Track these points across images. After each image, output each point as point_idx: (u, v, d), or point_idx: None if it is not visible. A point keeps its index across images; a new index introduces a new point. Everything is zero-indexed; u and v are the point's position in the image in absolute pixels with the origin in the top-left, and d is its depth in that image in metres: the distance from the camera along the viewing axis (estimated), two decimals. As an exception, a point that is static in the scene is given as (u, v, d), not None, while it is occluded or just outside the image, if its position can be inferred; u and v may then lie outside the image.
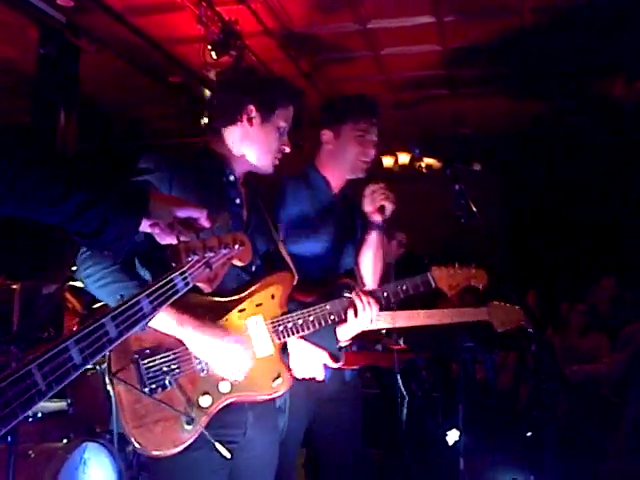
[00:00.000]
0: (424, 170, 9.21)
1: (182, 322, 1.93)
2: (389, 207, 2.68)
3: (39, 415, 3.53)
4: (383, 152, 9.74)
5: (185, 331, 1.94)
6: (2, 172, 1.22)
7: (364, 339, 2.81)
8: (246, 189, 2.32)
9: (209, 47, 5.87)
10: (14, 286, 5.01)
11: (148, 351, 1.94)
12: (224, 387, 2.01)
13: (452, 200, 2.86)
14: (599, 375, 5.69)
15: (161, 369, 1.95)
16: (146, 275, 2.04)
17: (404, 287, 2.43)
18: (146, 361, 1.94)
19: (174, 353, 1.97)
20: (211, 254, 1.57)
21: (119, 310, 1.25)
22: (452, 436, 4.96)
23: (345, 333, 2.39)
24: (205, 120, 2.40)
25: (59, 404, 3.71)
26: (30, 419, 3.49)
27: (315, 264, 2.60)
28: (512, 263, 9.70)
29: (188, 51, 7.00)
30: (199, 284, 1.58)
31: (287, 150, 2.31)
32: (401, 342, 5.01)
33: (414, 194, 9.63)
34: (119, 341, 1.24)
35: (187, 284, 1.47)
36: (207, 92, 6.48)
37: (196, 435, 1.94)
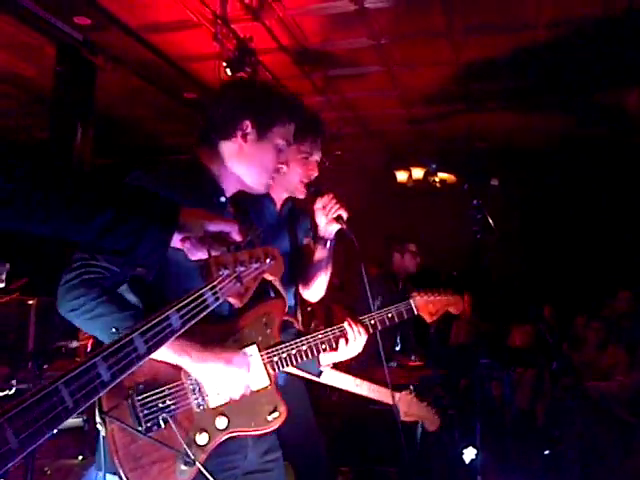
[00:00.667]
0: (438, 185, 9.22)
1: (182, 349, 1.82)
2: (345, 215, 2.66)
3: (55, 432, 3.52)
4: (397, 167, 9.76)
5: (184, 359, 1.84)
6: (29, 192, 1.21)
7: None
8: (235, 210, 2.18)
9: (224, 64, 5.91)
10: (30, 301, 5.05)
11: (142, 386, 1.82)
12: (221, 423, 1.93)
13: (468, 215, 2.85)
14: (611, 393, 5.62)
15: (156, 405, 1.83)
16: (132, 300, 1.90)
17: (389, 315, 2.45)
18: (140, 397, 1.81)
19: (169, 388, 1.87)
20: (242, 268, 1.54)
21: (148, 326, 1.24)
22: (469, 454, 4.90)
23: (329, 359, 2.33)
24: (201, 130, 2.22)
25: (75, 420, 3.71)
26: (46, 435, 3.49)
27: None
28: (529, 277, 9.63)
29: (203, 68, 7.07)
30: (230, 299, 1.55)
31: (284, 170, 2.23)
32: (413, 358, 4.99)
33: (429, 209, 9.64)
34: (148, 357, 1.23)
35: (217, 299, 1.45)
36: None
37: (193, 476, 1.84)
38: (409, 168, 9.76)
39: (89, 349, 4.96)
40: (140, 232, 1.35)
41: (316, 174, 2.69)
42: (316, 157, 2.69)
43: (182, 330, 1.32)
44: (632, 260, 8.68)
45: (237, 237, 1.56)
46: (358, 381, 2.99)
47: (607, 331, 6.25)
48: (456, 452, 5.09)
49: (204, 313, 1.39)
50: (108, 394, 1.74)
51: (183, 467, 1.82)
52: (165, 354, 1.80)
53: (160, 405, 1.83)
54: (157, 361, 1.80)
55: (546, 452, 5.24)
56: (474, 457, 4.16)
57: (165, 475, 1.81)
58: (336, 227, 2.68)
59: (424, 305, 2.54)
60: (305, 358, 2.15)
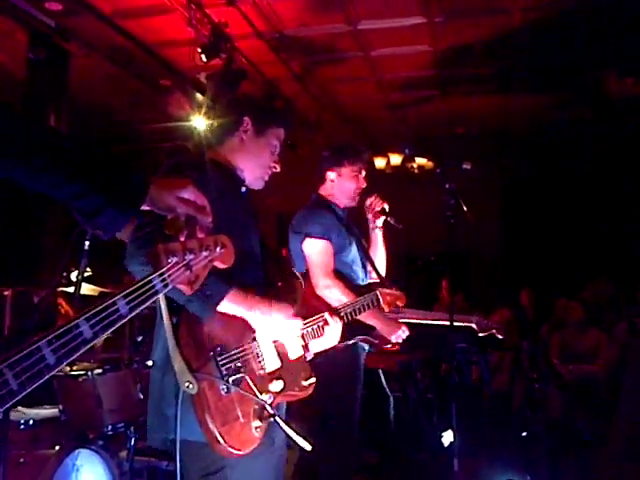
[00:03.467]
0: (416, 171, 9.24)
1: (251, 302, 2.05)
2: (386, 206, 3.53)
3: (30, 422, 3.50)
4: (375, 153, 9.75)
5: (256, 312, 2.06)
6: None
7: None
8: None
9: (199, 50, 5.86)
10: (6, 292, 4.99)
11: (219, 348, 1.97)
12: (277, 386, 2.10)
13: (441, 200, 2.87)
14: (595, 376, 5.70)
15: (232, 366, 1.98)
16: None
17: (358, 307, 2.97)
18: (220, 358, 1.95)
19: (240, 351, 2.03)
20: (191, 256, 1.55)
21: (94, 311, 1.26)
22: (447, 437, 4.95)
23: (316, 347, 2.46)
24: (200, 126, 2.48)
25: (51, 411, 3.68)
26: (22, 426, 3.46)
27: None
28: (506, 261, 9.71)
29: (178, 54, 6.99)
30: (179, 286, 1.57)
31: (278, 169, 2.42)
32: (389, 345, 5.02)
33: (407, 195, 9.66)
34: (94, 342, 1.26)
35: (166, 286, 1.47)
36: (198, 95, 6.46)
37: (264, 431, 2.01)
38: (387, 154, 9.76)
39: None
40: (101, 207, 1.46)
41: (365, 185, 3.48)
42: (363, 173, 3.50)
43: (129, 316, 1.35)
44: (612, 242, 8.79)
45: (205, 215, 1.62)
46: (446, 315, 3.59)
47: (586, 313, 6.32)
48: (435, 436, 5.13)
49: (152, 299, 1.43)
50: (194, 355, 1.90)
51: (258, 423, 1.98)
52: (238, 309, 2.03)
53: (235, 366, 1.98)
54: (227, 324, 2.02)
55: (524, 434, 5.30)
56: (452, 440, 4.19)
57: (246, 430, 1.96)
58: (381, 218, 3.51)
59: (384, 297, 3.12)
60: (317, 335, 2.40)
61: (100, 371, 3.60)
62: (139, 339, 3.91)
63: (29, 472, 3.11)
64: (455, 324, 3.47)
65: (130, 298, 1.35)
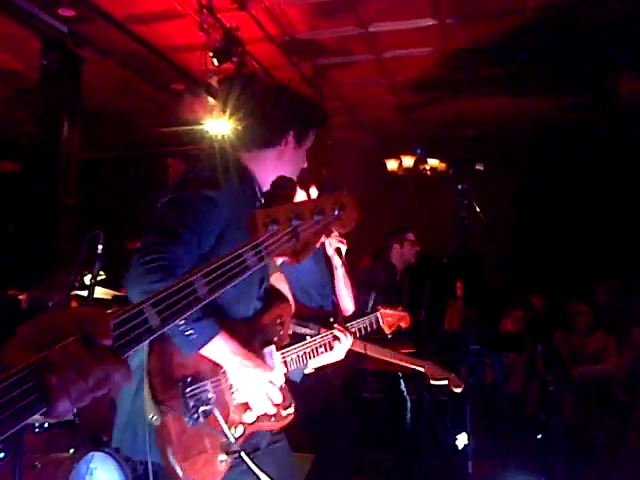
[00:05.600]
0: (429, 172, 9.21)
1: (233, 351, 1.93)
2: (344, 248, 3.27)
3: (45, 425, 3.51)
4: (387, 156, 9.74)
5: (230, 357, 1.94)
6: None
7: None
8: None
9: (211, 54, 5.87)
10: (21, 296, 5.02)
11: (190, 378, 1.89)
12: (249, 417, 2.03)
13: (455, 201, 2.86)
14: (606, 374, 5.65)
15: (201, 398, 1.90)
16: None
17: (364, 325, 2.93)
18: (189, 389, 1.88)
19: (211, 382, 1.95)
20: (298, 222, 1.32)
21: (164, 294, 1.05)
22: (461, 440, 4.92)
23: (316, 363, 2.45)
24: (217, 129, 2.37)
25: (65, 414, 3.69)
26: (36, 430, 3.47)
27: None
28: (519, 262, 9.65)
29: (190, 59, 7.02)
30: (281, 258, 1.37)
31: (306, 165, 2.38)
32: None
33: (420, 197, 9.63)
34: (162, 330, 1.05)
35: (261, 259, 1.24)
36: (210, 99, 6.47)
37: (230, 464, 1.94)
38: (399, 156, 9.73)
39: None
40: None
41: None
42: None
43: (209, 299, 1.12)
44: (625, 245, 8.71)
45: None
46: (394, 353, 3.47)
47: (595, 315, 6.27)
48: (449, 438, 5.11)
49: (241, 277, 1.18)
50: (162, 384, 1.83)
51: (223, 457, 1.91)
52: (217, 353, 1.91)
53: (205, 397, 1.90)
54: (201, 356, 1.89)
55: (538, 436, 5.26)
56: (466, 443, 4.17)
57: (209, 465, 1.90)
58: (338, 259, 3.30)
59: (385, 317, 3.05)
60: (307, 360, 2.30)
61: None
62: (152, 342, 3.91)
63: (44, 475, 3.13)
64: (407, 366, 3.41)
65: (211, 277, 1.12)
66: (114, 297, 5.17)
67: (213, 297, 1.13)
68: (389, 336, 3.19)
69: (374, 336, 3.20)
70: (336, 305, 3.36)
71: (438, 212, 8.23)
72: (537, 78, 7.96)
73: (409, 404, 4.84)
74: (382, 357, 3.43)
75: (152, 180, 8.79)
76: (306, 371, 2.47)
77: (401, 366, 3.46)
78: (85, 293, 4.27)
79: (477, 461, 3.38)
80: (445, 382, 3.57)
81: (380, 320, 3.01)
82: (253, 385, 1.98)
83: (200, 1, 5.77)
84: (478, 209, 2.85)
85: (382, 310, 3.05)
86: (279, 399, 2.03)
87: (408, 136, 9.81)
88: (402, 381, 4.88)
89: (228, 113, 6.26)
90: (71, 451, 3.37)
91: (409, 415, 4.68)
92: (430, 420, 5.10)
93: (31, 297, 5.10)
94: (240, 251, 1.21)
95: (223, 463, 1.92)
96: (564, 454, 4.68)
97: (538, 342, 4.64)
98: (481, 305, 7.64)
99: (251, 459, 1.93)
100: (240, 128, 2.30)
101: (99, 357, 0.92)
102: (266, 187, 2.26)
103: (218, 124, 6.49)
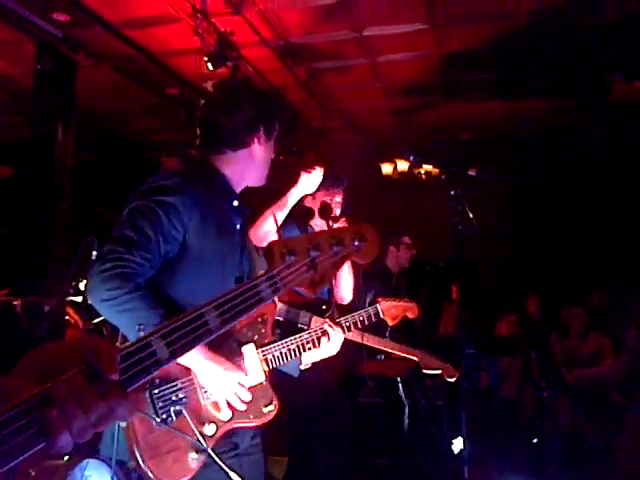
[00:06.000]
0: (423, 177, 9.22)
1: (202, 354, 1.96)
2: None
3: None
4: (382, 160, 9.75)
5: (197, 360, 1.96)
6: None
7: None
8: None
9: (205, 59, 5.87)
10: (15, 302, 5.00)
11: (157, 380, 1.93)
12: (225, 415, 2.05)
13: (448, 206, 2.86)
14: (602, 377, 5.66)
15: (170, 399, 1.94)
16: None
17: (360, 318, 2.77)
18: (157, 391, 1.92)
19: (181, 382, 1.98)
20: (317, 253, 1.29)
21: (174, 326, 1.04)
22: (457, 444, 4.92)
23: (310, 358, 2.44)
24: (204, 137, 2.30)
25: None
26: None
27: None
28: (514, 266, 9.66)
29: (185, 63, 7.02)
30: (299, 289, 1.34)
31: (273, 156, 2.37)
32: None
33: (415, 201, 9.63)
34: (171, 362, 1.04)
35: (276, 290, 1.21)
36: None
37: (202, 464, 1.97)
38: (394, 160, 9.74)
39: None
40: None
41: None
42: (338, 199, 3.55)
43: (220, 331, 1.09)
44: (621, 248, 8.73)
45: None
46: (390, 343, 3.61)
47: (590, 319, 6.29)
48: (445, 443, 5.10)
49: (254, 309, 1.16)
50: None
51: (194, 455, 1.94)
52: (184, 357, 1.85)
53: (173, 398, 1.95)
54: None
55: (534, 440, 5.26)
56: (462, 447, 4.18)
57: (179, 463, 1.94)
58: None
59: (388, 309, 2.93)
60: (294, 356, 2.28)
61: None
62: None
63: (38, 482, 3.11)
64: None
65: (224, 309, 1.10)
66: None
67: (225, 329, 1.11)
68: (391, 327, 3.20)
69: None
70: (331, 293, 3.32)
71: (433, 216, 8.24)
72: (531, 82, 7.98)
73: (407, 409, 4.84)
74: (379, 346, 3.58)
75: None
76: (302, 366, 2.45)
77: (398, 370, 3.48)
78: (80, 299, 4.26)
79: (473, 465, 3.37)
80: (439, 372, 3.63)
81: (381, 312, 2.93)
82: (221, 386, 2.01)
83: (194, 5, 5.77)
84: (471, 215, 2.85)
85: (383, 302, 2.96)
86: (248, 398, 2.05)
87: (402, 140, 9.82)
88: (400, 386, 4.88)
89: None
90: (65, 458, 3.35)
91: (407, 420, 4.68)
92: (426, 424, 5.10)
93: (25, 302, 5.08)
94: (256, 282, 1.18)
95: (195, 461, 1.95)
96: (559, 459, 4.68)
97: (532, 348, 4.64)
98: (476, 309, 7.65)
99: (220, 458, 1.96)
100: (209, 131, 2.29)
101: (103, 392, 0.90)
102: (239, 187, 2.29)
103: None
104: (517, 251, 9.97)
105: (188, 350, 1.05)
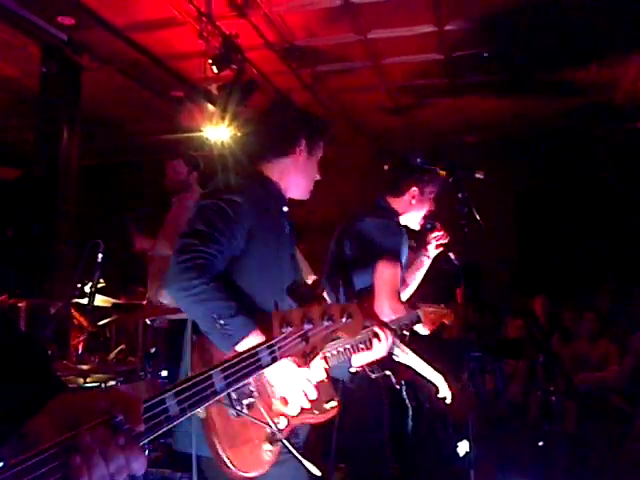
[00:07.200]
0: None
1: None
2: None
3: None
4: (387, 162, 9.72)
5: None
6: None
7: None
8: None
9: (210, 62, 5.88)
10: (20, 304, 5.02)
11: None
12: (293, 410, 2.08)
13: (455, 209, 2.85)
14: (606, 382, 5.64)
15: (243, 392, 1.99)
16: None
17: (405, 322, 2.87)
18: None
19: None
20: (309, 326, 1.41)
21: (184, 386, 1.11)
22: (463, 447, 4.90)
23: (360, 360, 2.47)
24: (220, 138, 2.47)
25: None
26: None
27: None
28: (520, 270, 9.63)
29: (189, 66, 7.03)
30: (290, 359, 1.46)
31: (319, 177, 2.50)
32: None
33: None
34: (181, 419, 1.10)
35: (274, 359, 1.32)
36: (209, 106, 6.48)
37: (276, 454, 2.01)
38: (399, 163, 9.71)
39: (80, 351, 4.94)
40: None
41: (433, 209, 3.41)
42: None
43: (225, 392, 1.19)
44: (625, 251, 8.70)
45: None
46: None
47: (600, 323, 6.26)
48: (450, 446, 5.08)
49: (255, 374, 1.27)
50: None
51: (268, 446, 1.99)
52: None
53: (247, 391, 2.01)
54: None
55: (540, 444, 5.24)
56: (468, 450, 4.16)
57: (255, 453, 1.99)
58: (438, 251, 3.48)
59: (427, 315, 3.01)
60: (348, 355, 2.37)
61: (113, 383, 3.60)
62: (152, 351, 3.91)
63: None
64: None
65: (228, 372, 1.20)
66: (113, 305, 5.17)
67: (230, 390, 1.21)
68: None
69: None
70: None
71: (440, 217, 8.22)
72: (538, 83, 7.96)
73: (410, 411, 4.82)
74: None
75: (152, 187, 8.79)
76: (352, 369, 2.50)
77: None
78: (85, 301, 4.27)
79: (478, 469, 3.35)
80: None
81: (421, 317, 2.99)
82: (289, 381, 2.03)
83: (199, 9, 5.78)
84: (478, 217, 2.86)
85: (424, 307, 3.03)
86: (314, 395, 2.05)
87: (408, 142, 9.81)
88: (404, 388, 4.87)
89: (230, 123, 6.27)
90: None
91: (411, 423, 4.67)
92: (431, 428, 5.08)
93: (31, 305, 5.10)
94: (257, 349, 1.29)
95: (268, 453, 1.99)
96: (565, 462, 4.66)
97: (540, 351, 4.62)
98: (482, 311, 7.63)
99: (295, 448, 1.99)
100: (253, 139, 2.48)
101: (124, 444, 0.94)
102: (288, 193, 2.43)
103: (217, 131, 6.50)
104: (524, 254, 9.94)
105: (196, 408, 1.12)
